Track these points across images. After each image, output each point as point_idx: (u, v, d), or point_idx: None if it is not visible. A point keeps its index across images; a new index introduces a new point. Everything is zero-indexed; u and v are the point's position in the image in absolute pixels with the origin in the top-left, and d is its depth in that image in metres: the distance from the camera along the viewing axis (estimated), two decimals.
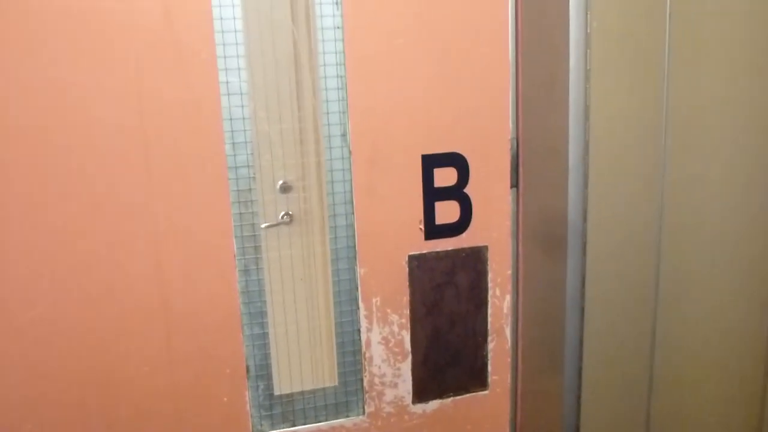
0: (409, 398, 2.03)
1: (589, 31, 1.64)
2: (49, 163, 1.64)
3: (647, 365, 1.92)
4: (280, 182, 1.81)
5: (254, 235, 1.82)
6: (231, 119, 1.74)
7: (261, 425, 1.93)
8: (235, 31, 1.71)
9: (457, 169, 1.93)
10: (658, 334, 1.89)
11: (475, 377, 2.08)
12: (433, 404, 2.06)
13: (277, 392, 1.93)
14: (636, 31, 1.68)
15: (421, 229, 1.92)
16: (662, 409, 1.95)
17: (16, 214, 1.65)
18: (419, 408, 2.05)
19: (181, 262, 1.77)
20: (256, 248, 1.83)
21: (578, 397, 1.91)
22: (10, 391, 1.73)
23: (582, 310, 1.83)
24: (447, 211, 1.94)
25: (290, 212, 1.83)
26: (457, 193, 1.94)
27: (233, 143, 1.75)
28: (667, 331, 1.89)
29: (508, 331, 2.08)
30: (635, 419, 1.95)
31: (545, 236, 1.92)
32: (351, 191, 1.87)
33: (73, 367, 1.76)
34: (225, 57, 1.71)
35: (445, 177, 1.92)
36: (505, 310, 2.06)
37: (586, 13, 1.63)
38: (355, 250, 1.90)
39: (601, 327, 1.84)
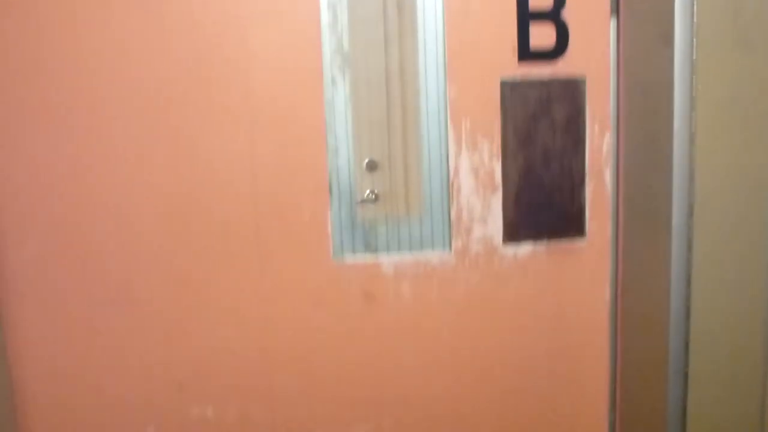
0: (499, 238, 1.88)
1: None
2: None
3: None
4: None
5: (342, 49, 1.77)
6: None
7: (342, 251, 1.83)
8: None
9: None
10: None
11: (571, 222, 1.91)
12: (525, 248, 1.90)
13: (359, 219, 1.83)
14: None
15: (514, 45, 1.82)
16: None
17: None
18: (510, 250, 1.89)
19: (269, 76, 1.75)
20: (343, 56, 1.78)
21: (688, 258, 1.72)
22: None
23: (691, 158, 1.66)
24: (542, 35, 1.84)
25: None
26: (553, 16, 1.84)
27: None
28: None
29: (607, 175, 1.92)
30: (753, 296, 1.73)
31: (649, 71, 1.78)
32: (442, 7, 1.80)
33: (161, 170, 1.75)
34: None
35: None
36: (604, 151, 1.91)
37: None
38: (445, 68, 1.82)
39: (711, 182, 1.67)
